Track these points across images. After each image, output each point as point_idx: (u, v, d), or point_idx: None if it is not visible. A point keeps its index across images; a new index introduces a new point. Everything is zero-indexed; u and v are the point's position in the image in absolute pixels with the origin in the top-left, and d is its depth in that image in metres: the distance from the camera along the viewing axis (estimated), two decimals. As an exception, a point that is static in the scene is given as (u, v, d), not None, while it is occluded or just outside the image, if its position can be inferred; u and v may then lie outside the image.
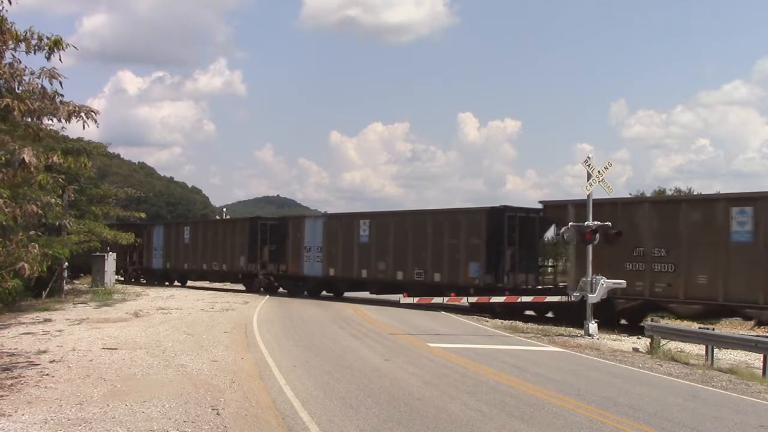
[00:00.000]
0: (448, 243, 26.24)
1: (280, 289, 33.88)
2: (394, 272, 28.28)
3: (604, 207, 21.33)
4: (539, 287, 25.40)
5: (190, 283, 41.47)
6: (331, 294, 32.93)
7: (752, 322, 20.43)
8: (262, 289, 34.20)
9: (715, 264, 19.47)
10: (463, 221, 26.04)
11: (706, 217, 20.16)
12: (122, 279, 40.99)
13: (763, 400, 11.07)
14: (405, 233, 28.08)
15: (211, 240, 37.78)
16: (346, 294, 32.48)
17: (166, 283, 40.79)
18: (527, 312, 24.57)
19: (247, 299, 29.54)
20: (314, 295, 32.41)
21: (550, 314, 24.35)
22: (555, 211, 24.08)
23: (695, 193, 42.89)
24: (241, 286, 36.57)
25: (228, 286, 38.35)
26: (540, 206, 25.32)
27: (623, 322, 22.17)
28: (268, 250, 34.18)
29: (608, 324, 21.15)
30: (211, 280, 39.57)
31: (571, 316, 21.66)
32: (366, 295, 30.93)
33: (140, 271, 42.19)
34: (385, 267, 28.69)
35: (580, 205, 22.14)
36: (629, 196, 20.25)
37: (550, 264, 27.30)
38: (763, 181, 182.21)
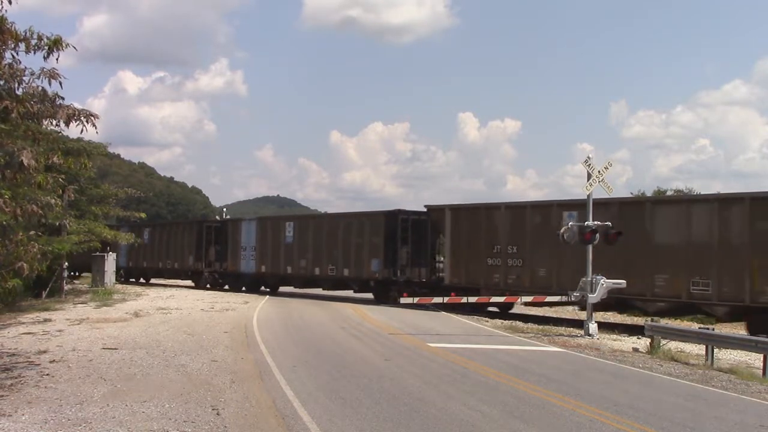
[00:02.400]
0: (354, 242, 29.63)
1: (226, 287, 36.94)
2: (313, 268, 31.57)
3: (475, 210, 25.98)
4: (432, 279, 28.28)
5: (144, 279, 43.89)
6: (268, 290, 35.37)
7: None
8: (208, 285, 37.46)
9: (551, 259, 22.64)
10: (367, 223, 29.48)
11: (544, 219, 23.36)
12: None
13: (763, 400, 11.07)
14: (322, 234, 31.43)
15: (166, 240, 41.14)
16: (280, 289, 35.47)
17: (132, 280, 43.27)
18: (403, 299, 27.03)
19: (247, 299, 29.54)
20: (252, 290, 35.08)
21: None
22: (436, 214, 27.39)
23: (695, 193, 43.71)
24: (190, 282, 40.05)
25: (180, 282, 41.21)
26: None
27: (494, 309, 25.36)
28: (215, 250, 37.67)
29: (479, 312, 24.41)
30: (166, 277, 42.49)
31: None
32: (291, 288, 34.45)
33: None
34: (306, 264, 31.95)
35: (455, 209, 26.61)
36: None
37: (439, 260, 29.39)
38: (763, 181, 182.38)
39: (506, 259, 24.20)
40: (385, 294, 28.26)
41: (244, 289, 35.41)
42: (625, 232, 20.40)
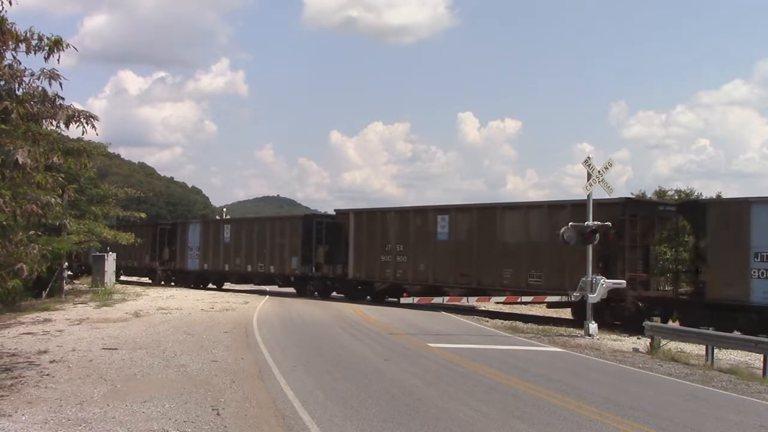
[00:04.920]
0: (278, 243, 33.67)
1: (180, 285, 39.75)
2: (246, 266, 35.64)
3: (372, 214, 29.84)
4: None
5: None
6: (214, 286, 38.93)
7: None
8: (162, 282, 40.77)
9: (428, 256, 26.62)
10: (288, 226, 33.78)
11: (423, 222, 27.19)
12: (71, 273, 43.45)
13: (763, 400, 11.08)
14: (253, 235, 35.50)
15: None
16: (225, 285, 39.25)
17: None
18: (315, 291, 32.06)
19: (247, 299, 29.55)
20: (198, 286, 38.51)
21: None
22: (342, 217, 31.28)
23: (695, 194, 44.22)
24: (147, 279, 43.39)
25: (137, 279, 44.19)
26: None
27: (390, 299, 28.85)
28: (169, 250, 41.13)
29: (375, 298, 29.04)
30: (127, 275, 44.96)
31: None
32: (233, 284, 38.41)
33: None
34: (240, 262, 35.99)
35: (357, 213, 30.53)
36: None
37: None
38: (763, 181, 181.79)
39: (395, 256, 27.93)
40: (304, 288, 32.40)
41: (192, 285, 38.53)
42: (480, 233, 24.85)
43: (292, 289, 33.86)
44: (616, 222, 21.06)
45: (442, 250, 26.13)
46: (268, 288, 36.25)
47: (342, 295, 31.21)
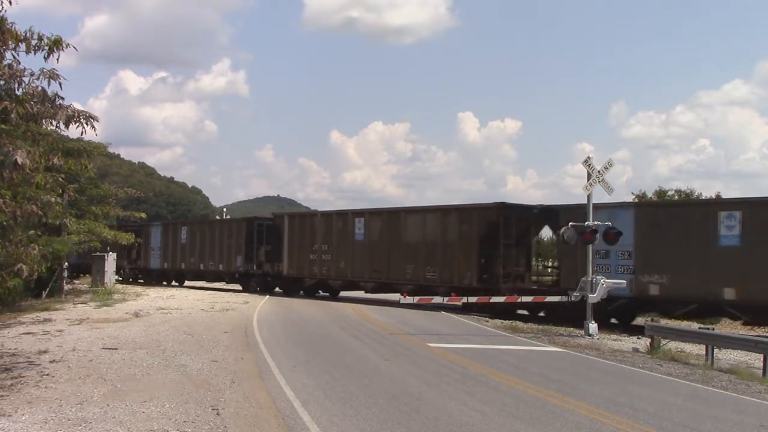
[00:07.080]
0: (227, 243, 37.02)
1: (145, 282, 42.87)
2: (199, 264, 38.96)
3: (302, 217, 33.92)
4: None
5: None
6: (177, 284, 41.95)
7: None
8: (130, 279, 43.17)
9: (348, 254, 29.82)
10: (234, 228, 37.32)
11: (344, 224, 30.36)
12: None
13: (763, 400, 11.08)
14: (205, 236, 38.85)
15: None
16: (187, 283, 42.22)
17: (82, 275, 45.99)
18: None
19: (247, 299, 29.57)
20: (160, 283, 41.79)
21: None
22: (279, 220, 34.79)
23: (695, 194, 44.74)
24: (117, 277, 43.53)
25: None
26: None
27: (322, 293, 32.87)
28: (136, 250, 43.18)
29: (307, 293, 32.40)
30: None
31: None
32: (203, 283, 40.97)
33: None
34: (195, 261, 39.29)
35: (291, 216, 34.44)
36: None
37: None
38: (763, 181, 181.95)
39: (321, 255, 30.96)
40: (247, 284, 35.49)
41: (154, 282, 41.72)
42: (389, 234, 28.14)
43: (238, 286, 37.00)
44: (491, 224, 24.37)
45: (359, 249, 29.38)
46: (215, 285, 39.63)
47: (281, 290, 33.98)
